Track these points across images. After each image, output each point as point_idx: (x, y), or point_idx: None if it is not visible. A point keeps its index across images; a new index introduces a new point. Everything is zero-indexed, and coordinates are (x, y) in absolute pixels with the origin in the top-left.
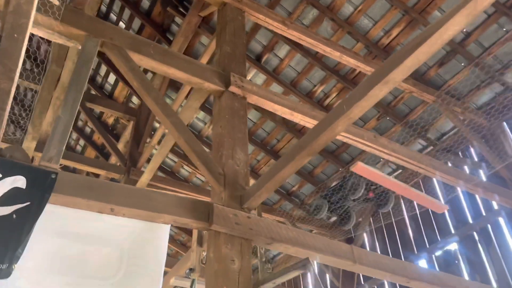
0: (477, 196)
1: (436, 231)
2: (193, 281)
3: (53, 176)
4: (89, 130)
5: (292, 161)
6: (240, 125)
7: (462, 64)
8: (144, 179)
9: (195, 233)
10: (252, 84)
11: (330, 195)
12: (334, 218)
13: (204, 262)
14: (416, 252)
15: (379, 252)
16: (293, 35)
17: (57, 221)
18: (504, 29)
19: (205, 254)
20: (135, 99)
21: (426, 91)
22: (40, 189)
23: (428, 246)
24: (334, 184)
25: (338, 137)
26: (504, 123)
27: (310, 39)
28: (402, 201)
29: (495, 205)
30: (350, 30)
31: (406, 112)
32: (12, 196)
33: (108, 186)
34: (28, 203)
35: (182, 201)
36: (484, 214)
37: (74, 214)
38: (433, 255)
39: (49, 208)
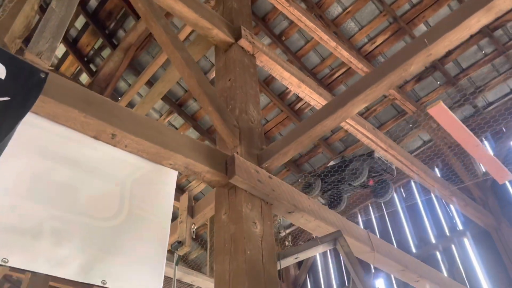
0: (440, 216)
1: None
2: (178, 257)
3: (43, 76)
4: None
5: (340, 108)
6: (252, 83)
7: (438, 82)
8: None
9: (184, 201)
10: (262, 44)
11: (326, 175)
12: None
13: (194, 236)
14: (373, 271)
15: (331, 271)
16: (294, 14)
17: (43, 138)
18: (483, 52)
19: (195, 227)
20: (84, 77)
21: (408, 100)
22: (25, 87)
23: None
24: (332, 163)
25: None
26: None
27: (310, 22)
28: (358, 213)
29: (459, 226)
30: (335, 31)
31: (376, 126)
32: None
33: (111, 105)
34: (7, 98)
35: (197, 144)
36: (448, 234)
37: (64, 134)
38: (391, 274)
39: (33, 119)
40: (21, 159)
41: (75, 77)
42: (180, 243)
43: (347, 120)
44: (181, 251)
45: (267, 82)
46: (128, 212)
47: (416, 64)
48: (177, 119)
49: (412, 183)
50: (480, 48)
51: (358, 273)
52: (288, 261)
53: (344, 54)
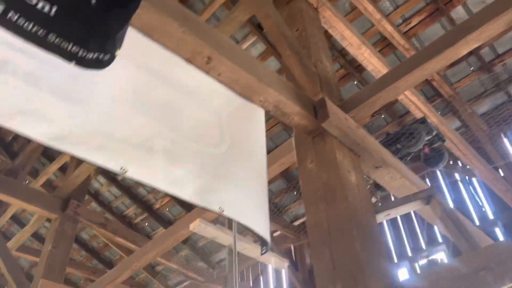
0: (469, 206)
1: (420, 239)
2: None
3: None
4: None
5: (447, 48)
6: (320, 35)
7: (472, 68)
8: None
9: None
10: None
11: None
12: None
13: None
14: (396, 261)
15: None
16: None
17: (140, 51)
18: None
19: None
20: None
21: (446, 82)
22: None
23: (410, 255)
24: (388, 132)
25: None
26: (502, 134)
27: None
28: None
29: (490, 215)
30: None
31: (402, 112)
32: None
33: (206, 26)
34: None
35: (286, 84)
36: (478, 223)
37: (158, 52)
38: (416, 264)
39: (130, 31)
40: (123, 69)
41: None
42: None
43: (407, 92)
44: None
45: None
46: (229, 143)
47: None
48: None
49: (438, 172)
50: None
51: (463, 231)
52: (379, 218)
53: (388, 28)
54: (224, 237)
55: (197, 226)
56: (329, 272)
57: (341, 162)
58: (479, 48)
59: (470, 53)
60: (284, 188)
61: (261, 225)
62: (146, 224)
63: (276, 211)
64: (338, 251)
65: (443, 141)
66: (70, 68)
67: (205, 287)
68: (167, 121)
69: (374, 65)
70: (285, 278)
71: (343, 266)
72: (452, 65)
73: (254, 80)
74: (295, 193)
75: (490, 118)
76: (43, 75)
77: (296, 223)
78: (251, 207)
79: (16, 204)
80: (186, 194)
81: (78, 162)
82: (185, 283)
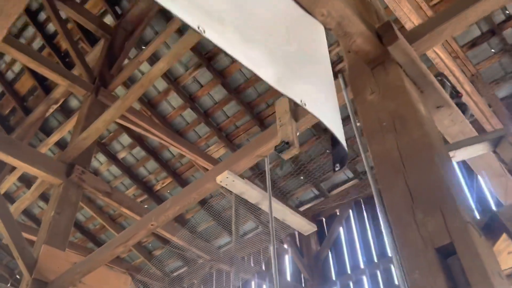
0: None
1: None
2: (283, 162)
3: None
4: (52, 30)
5: None
6: None
7: (493, 50)
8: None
9: (283, 103)
10: None
11: None
12: None
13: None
14: None
15: (357, 248)
16: None
17: None
18: None
19: (298, 132)
20: (109, 19)
21: (470, 61)
22: None
23: None
24: None
25: (430, 54)
26: None
27: None
28: None
29: None
30: None
31: None
32: None
33: None
34: None
35: (349, 0)
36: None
37: None
38: None
39: None
40: None
41: (99, 18)
42: (287, 144)
43: (437, 51)
44: (288, 154)
45: None
46: (297, 46)
47: None
48: (204, 74)
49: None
50: None
51: None
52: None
53: None
54: (252, 193)
55: (225, 179)
56: (405, 202)
57: (410, 90)
58: (501, 28)
59: (493, 34)
60: (290, 171)
61: (338, 131)
62: (146, 206)
63: (281, 196)
64: (415, 179)
65: (460, 97)
66: None
67: (212, 266)
68: (235, 6)
69: (413, 22)
70: (288, 264)
71: (424, 194)
72: (473, 45)
73: None
74: (301, 177)
75: (510, 102)
76: None
77: (302, 208)
78: (329, 109)
79: (19, 167)
80: (266, 75)
81: (84, 126)
82: (183, 269)
